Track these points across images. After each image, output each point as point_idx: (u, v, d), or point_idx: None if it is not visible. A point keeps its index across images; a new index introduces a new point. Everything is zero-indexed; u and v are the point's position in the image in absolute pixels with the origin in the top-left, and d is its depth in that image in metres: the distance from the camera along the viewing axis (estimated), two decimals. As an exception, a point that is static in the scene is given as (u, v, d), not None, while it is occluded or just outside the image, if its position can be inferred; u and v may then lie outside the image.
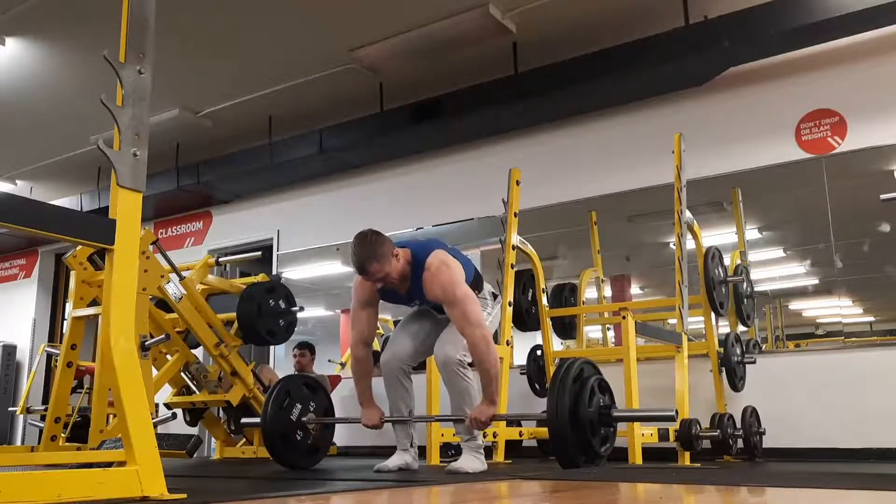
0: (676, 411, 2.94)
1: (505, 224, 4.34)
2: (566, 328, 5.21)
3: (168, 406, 5.06)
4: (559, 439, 2.81)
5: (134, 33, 1.96)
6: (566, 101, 5.50)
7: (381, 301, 3.32)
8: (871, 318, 5.18)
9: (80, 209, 7.37)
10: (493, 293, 3.40)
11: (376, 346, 6.82)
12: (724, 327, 4.91)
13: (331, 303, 7.35)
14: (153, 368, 4.51)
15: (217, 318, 4.75)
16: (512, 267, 4.25)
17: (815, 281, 5.28)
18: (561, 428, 2.78)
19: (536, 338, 5.11)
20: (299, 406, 3.41)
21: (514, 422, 4.70)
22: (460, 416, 3.05)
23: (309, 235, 6.95)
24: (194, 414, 5.22)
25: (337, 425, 6.26)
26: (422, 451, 3.44)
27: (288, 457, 3.39)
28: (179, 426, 5.30)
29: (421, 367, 3.82)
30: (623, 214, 5.67)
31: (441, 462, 3.78)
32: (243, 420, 4.33)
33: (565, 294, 5.22)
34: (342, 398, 6.16)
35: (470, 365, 3.14)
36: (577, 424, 2.81)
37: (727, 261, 4.76)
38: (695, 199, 4.55)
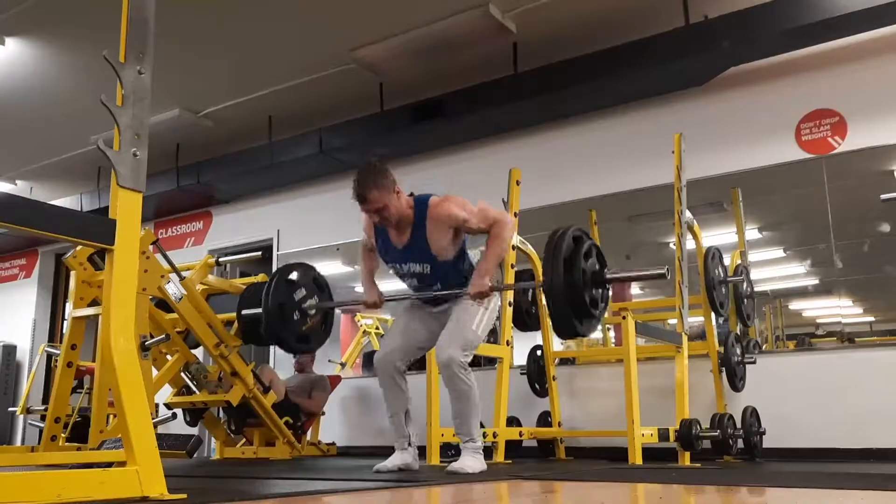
0: (668, 268, 3.05)
1: (505, 224, 4.32)
2: (566, 328, 5.20)
3: (168, 406, 5.06)
4: (556, 297, 2.91)
5: (134, 33, 1.95)
6: (566, 101, 5.50)
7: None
8: (871, 318, 5.18)
9: (80, 209, 7.37)
10: None
11: (375, 345, 6.85)
12: (723, 327, 4.91)
13: (331, 303, 7.33)
14: (153, 368, 4.51)
15: (217, 319, 4.75)
16: (512, 267, 4.25)
17: (815, 281, 5.28)
18: (557, 282, 2.90)
19: (536, 338, 5.11)
20: (304, 291, 3.43)
21: (514, 421, 4.70)
22: (459, 291, 3.12)
23: (309, 235, 6.95)
24: (194, 414, 5.23)
25: (337, 427, 6.26)
26: (421, 451, 3.44)
27: (281, 334, 3.46)
28: (179, 426, 5.30)
29: (421, 366, 3.81)
30: (623, 214, 5.67)
31: (441, 462, 3.78)
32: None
33: (565, 294, 5.22)
34: (342, 398, 6.17)
35: (471, 366, 3.13)
36: (572, 279, 2.94)
37: (727, 261, 4.77)
38: (695, 199, 4.55)
